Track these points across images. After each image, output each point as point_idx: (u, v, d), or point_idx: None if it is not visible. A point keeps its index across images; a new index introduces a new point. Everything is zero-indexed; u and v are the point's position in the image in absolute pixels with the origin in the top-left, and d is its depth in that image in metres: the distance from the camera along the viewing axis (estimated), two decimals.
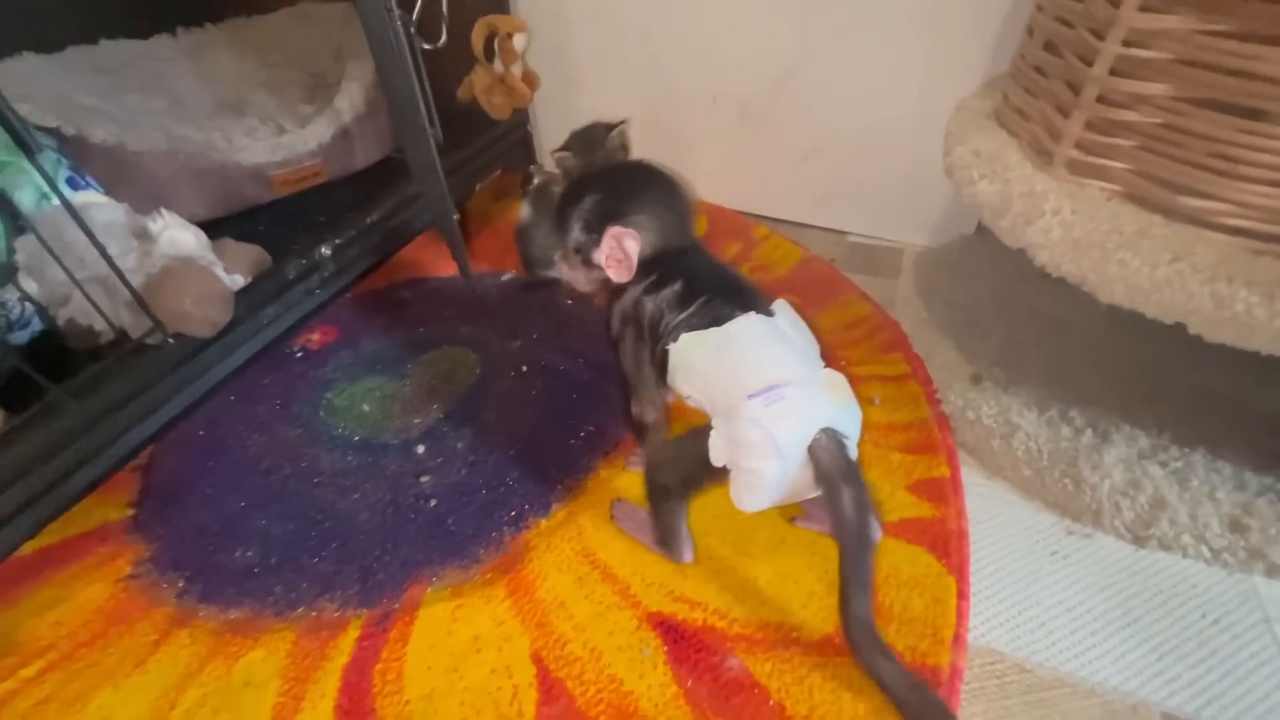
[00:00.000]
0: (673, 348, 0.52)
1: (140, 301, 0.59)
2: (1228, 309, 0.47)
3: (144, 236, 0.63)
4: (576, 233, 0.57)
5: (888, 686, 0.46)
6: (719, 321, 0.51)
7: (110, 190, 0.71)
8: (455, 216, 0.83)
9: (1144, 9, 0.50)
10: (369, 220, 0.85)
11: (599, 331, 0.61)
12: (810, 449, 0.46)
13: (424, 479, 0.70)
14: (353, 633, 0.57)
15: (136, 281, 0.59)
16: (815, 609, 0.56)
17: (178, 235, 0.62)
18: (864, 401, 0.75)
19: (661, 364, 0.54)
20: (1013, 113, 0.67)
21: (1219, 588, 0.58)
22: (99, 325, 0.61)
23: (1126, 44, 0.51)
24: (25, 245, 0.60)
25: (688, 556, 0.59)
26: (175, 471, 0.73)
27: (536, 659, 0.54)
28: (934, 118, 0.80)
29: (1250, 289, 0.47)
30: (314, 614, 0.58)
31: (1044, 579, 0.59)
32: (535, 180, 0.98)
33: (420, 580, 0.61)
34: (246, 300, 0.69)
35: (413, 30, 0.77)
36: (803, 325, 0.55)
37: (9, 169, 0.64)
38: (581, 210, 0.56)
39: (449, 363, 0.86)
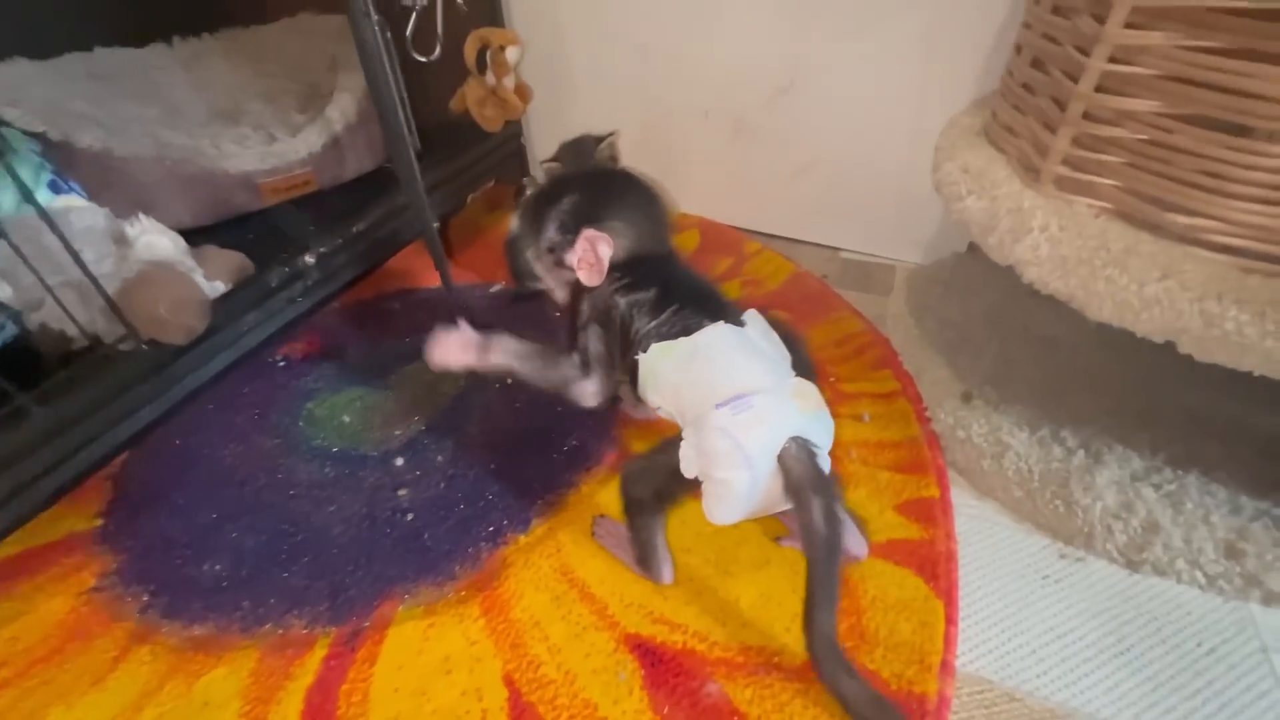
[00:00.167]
0: (642, 358, 0.51)
1: (113, 306, 0.58)
2: (1217, 327, 0.46)
3: (123, 241, 0.63)
4: (551, 232, 0.56)
5: (850, 704, 0.45)
6: (688, 331, 0.50)
7: (95, 196, 0.70)
8: (435, 225, 0.83)
9: (1129, 25, 0.49)
10: (355, 229, 0.84)
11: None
12: (780, 458, 0.45)
13: (401, 492, 0.69)
14: (320, 651, 0.55)
15: (113, 287, 0.59)
16: (798, 633, 0.53)
17: (155, 240, 0.62)
18: (853, 419, 0.76)
19: (632, 374, 0.53)
20: (1001, 129, 0.67)
21: (1214, 615, 0.56)
22: (71, 331, 0.60)
23: (1113, 60, 0.51)
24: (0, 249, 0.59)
25: (667, 577, 0.58)
26: (148, 481, 0.72)
27: (509, 681, 0.52)
28: (927, 135, 0.80)
29: (1240, 307, 0.46)
30: (281, 631, 0.57)
31: (1035, 604, 0.58)
32: (528, 192, 0.98)
33: (392, 597, 0.59)
34: (226, 308, 0.69)
35: (389, 35, 0.77)
36: (775, 336, 0.54)
37: None
38: (559, 210, 0.56)
39: (433, 374, 0.85)
